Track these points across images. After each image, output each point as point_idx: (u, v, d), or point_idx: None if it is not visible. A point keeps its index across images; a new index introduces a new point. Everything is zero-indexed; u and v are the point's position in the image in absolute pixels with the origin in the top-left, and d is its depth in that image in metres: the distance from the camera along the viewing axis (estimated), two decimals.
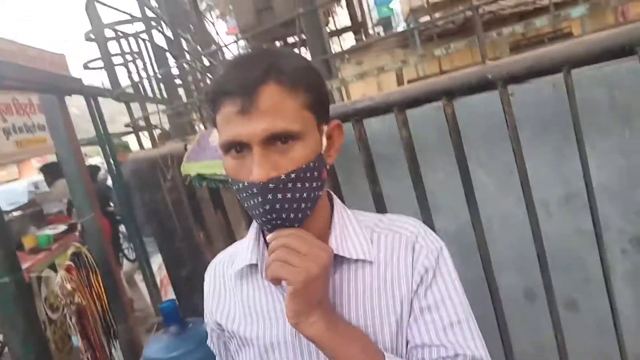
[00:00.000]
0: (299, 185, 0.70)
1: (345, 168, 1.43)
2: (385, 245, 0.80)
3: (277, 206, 0.69)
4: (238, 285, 0.87)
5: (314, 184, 0.72)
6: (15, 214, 4.11)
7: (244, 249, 0.86)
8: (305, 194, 0.71)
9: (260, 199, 0.69)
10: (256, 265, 0.83)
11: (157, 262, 3.16)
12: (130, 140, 6.88)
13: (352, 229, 0.81)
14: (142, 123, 2.21)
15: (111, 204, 5.70)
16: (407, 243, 0.79)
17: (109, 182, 6.92)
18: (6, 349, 3.85)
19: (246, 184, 0.69)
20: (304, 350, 0.79)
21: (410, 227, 0.82)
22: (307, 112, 0.70)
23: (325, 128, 0.75)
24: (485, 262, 1.26)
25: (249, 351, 0.84)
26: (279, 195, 0.69)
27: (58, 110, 2.27)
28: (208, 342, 0.98)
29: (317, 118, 0.73)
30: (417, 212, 1.31)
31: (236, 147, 0.70)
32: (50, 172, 4.90)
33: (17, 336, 1.68)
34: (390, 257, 0.79)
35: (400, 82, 3.93)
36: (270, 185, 0.68)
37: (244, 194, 0.71)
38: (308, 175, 0.70)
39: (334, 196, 0.86)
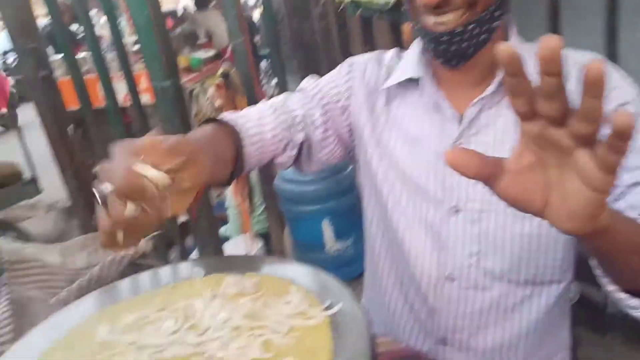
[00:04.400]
0: (477, 31, 0.66)
1: (521, 10, 1.24)
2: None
3: (453, 47, 0.67)
4: (389, 97, 0.82)
5: (494, 24, 0.68)
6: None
7: (404, 61, 0.81)
8: (483, 36, 0.68)
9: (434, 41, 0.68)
10: (416, 80, 0.77)
11: None
12: None
13: (527, 57, 0.71)
14: None
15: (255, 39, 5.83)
16: None
17: (254, 17, 7.06)
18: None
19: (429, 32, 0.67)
20: (446, 180, 0.75)
21: None
22: None
23: None
24: None
25: (380, 165, 0.81)
26: (455, 39, 0.67)
27: None
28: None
29: None
30: None
31: None
32: None
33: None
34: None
35: None
36: (443, 38, 0.66)
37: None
38: (487, 18, 0.66)
39: (513, 25, 0.75)
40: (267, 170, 2.80)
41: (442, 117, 0.76)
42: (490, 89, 0.71)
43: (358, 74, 0.85)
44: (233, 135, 0.74)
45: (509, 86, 0.38)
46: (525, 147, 0.42)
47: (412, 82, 0.78)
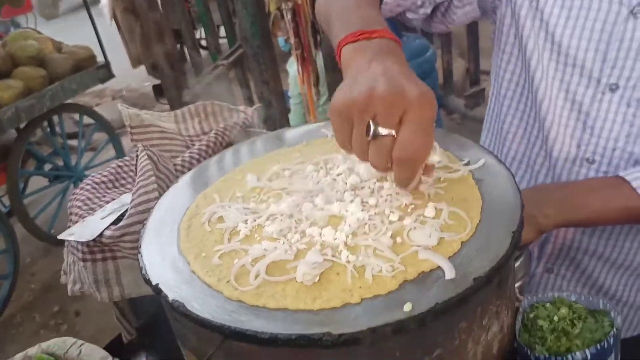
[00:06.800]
0: None
1: None
2: None
3: None
4: None
5: None
6: None
7: None
8: None
9: None
10: None
11: None
12: None
13: None
14: None
15: None
16: None
17: None
18: None
19: None
20: (608, 53, 0.68)
21: None
22: None
23: None
24: None
25: (532, 30, 0.74)
26: None
27: None
28: None
29: None
30: None
31: None
32: None
33: (248, 17, 1.85)
34: None
35: None
36: None
37: None
38: None
39: None
40: (331, 61, 2.73)
41: None
42: None
43: None
44: None
45: None
46: None
47: None
